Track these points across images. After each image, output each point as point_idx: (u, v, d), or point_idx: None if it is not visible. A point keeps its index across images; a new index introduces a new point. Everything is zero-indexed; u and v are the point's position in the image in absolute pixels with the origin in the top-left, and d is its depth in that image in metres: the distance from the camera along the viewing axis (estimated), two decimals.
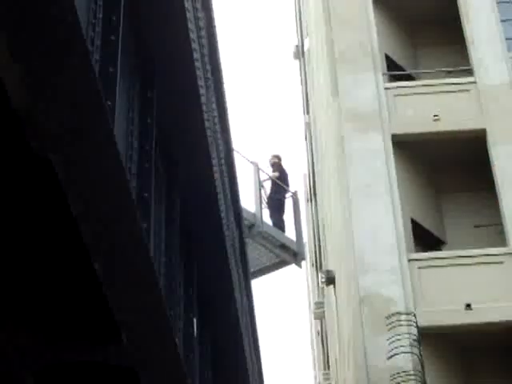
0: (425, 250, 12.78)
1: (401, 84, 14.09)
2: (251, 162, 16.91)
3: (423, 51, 15.34)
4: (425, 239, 13.13)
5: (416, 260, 12.07)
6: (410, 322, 11.00)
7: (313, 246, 25.84)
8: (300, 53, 26.17)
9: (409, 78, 14.70)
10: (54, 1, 3.22)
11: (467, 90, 13.67)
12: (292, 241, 17.19)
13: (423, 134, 13.35)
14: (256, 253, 16.59)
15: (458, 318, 11.43)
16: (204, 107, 7.40)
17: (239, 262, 12.38)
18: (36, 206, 4.04)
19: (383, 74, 13.95)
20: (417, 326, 11.00)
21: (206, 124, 7.57)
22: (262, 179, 17.37)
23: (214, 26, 10.26)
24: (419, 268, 11.99)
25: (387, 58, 14.56)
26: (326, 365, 23.08)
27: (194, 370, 8.44)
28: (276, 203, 17.59)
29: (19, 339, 4.76)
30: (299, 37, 26.45)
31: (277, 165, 18.54)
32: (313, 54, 21.06)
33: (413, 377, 10.68)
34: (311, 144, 23.99)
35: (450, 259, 12.20)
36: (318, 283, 22.82)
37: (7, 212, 4.03)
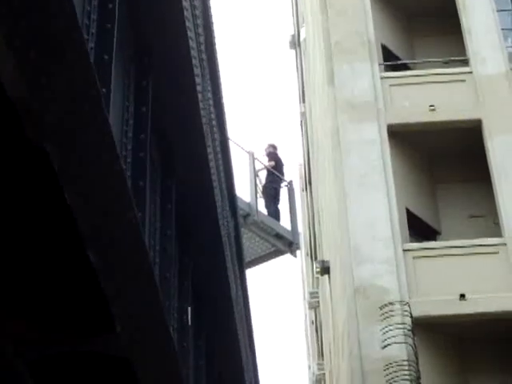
0: (420, 241, 12.78)
1: (397, 74, 14.05)
2: (247, 152, 16.89)
3: (420, 41, 15.31)
4: (420, 229, 13.13)
5: (411, 250, 12.07)
6: (404, 312, 11.02)
7: (308, 236, 25.85)
8: (296, 42, 26.10)
9: (405, 67, 14.67)
10: None
11: (463, 81, 13.65)
12: (287, 230, 17.20)
13: (419, 124, 13.33)
14: (251, 242, 16.60)
15: (453, 308, 11.44)
16: (200, 96, 7.37)
17: (234, 251, 12.37)
18: (30, 196, 4.01)
19: (379, 64, 13.92)
20: (411, 316, 11.01)
21: (202, 113, 7.54)
22: (257, 168, 17.35)
23: (210, 15, 10.21)
24: (414, 258, 11.99)
25: (384, 47, 14.52)
26: (320, 354, 23.13)
27: (189, 359, 8.44)
28: (271, 193, 17.59)
29: (14, 329, 4.74)
30: (295, 26, 26.37)
31: (272, 154, 18.53)
32: (309, 43, 20.99)
33: (407, 367, 10.70)
34: (307, 133, 23.95)
35: (444, 249, 12.21)
36: (313, 273, 22.83)
37: (1, 203, 4.01)
